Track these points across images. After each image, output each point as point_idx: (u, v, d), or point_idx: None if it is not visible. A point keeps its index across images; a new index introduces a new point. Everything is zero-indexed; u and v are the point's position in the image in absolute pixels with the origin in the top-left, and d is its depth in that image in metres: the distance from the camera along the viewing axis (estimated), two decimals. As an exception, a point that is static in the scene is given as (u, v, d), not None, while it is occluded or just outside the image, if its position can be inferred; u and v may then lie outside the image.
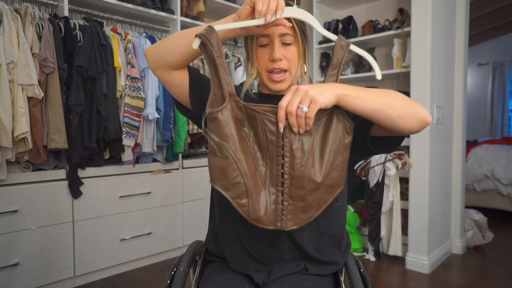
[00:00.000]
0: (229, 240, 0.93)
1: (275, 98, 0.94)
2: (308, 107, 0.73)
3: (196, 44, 0.80)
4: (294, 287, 0.83)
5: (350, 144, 0.80)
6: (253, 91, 1.01)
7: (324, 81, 0.83)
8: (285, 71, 0.90)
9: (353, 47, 0.85)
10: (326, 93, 0.74)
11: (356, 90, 0.77)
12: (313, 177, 0.76)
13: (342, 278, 0.95)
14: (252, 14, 0.83)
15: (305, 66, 0.95)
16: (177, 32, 0.91)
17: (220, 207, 0.94)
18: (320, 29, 0.86)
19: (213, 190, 1.00)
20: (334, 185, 0.79)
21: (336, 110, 0.79)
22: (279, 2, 0.80)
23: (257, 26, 0.84)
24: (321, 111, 0.77)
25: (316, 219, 0.86)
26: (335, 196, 0.80)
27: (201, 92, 0.92)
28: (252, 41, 0.93)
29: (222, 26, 0.82)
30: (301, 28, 0.91)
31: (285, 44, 0.90)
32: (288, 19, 0.86)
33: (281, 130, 0.76)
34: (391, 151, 0.92)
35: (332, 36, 0.86)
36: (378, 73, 0.86)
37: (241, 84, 1.00)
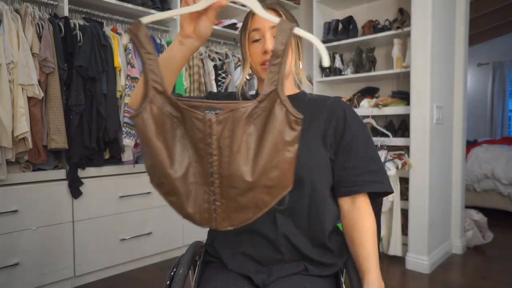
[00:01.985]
0: (229, 242, 0.93)
1: None
2: None
3: (125, 39, 0.78)
4: None
5: (296, 140, 0.72)
6: (251, 92, 1.02)
7: (268, 72, 0.73)
8: None
9: (298, 30, 0.74)
10: None
11: (379, 274, 0.84)
12: (243, 176, 0.70)
13: (343, 279, 0.94)
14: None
15: (300, 63, 0.94)
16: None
17: None
18: (259, 12, 0.77)
19: None
20: (275, 186, 0.72)
21: (277, 102, 0.71)
22: None
23: (201, 13, 0.77)
24: (257, 105, 0.71)
25: (299, 226, 0.87)
26: (280, 199, 0.74)
27: None
28: (244, 37, 0.93)
29: (153, 17, 0.75)
30: (291, 21, 0.89)
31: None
32: (275, 11, 0.89)
33: None
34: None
35: (275, 19, 0.76)
36: (326, 60, 0.75)
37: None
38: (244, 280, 0.88)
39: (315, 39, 0.75)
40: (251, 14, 0.93)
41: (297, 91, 0.99)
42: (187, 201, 0.74)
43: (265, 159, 0.70)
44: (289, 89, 0.97)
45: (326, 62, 0.74)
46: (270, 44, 0.88)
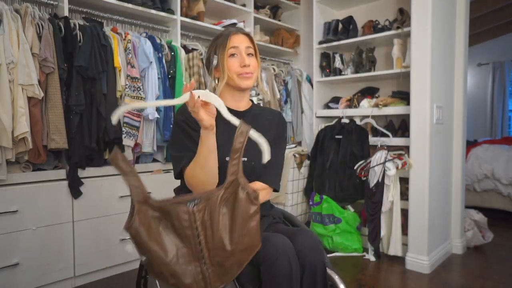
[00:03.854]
0: None
1: (233, 113, 1.20)
2: None
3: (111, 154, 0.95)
4: (281, 228, 1.22)
5: (257, 211, 0.95)
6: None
7: (228, 166, 0.93)
8: (252, 73, 1.21)
9: (252, 134, 0.93)
10: None
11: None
12: (225, 247, 0.92)
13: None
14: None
15: (259, 77, 1.27)
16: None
17: None
18: (225, 114, 0.98)
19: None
20: (248, 247, 0.95)
21: (239, 188, 0.94)
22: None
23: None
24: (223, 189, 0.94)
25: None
26: (254, 254, 0.97)
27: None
28: (223, 53, 1.20)
29: (134, 105, 1.00)
30: (256, 45, 1.26)
31: (249, 55, 1.21)
32: (248, 36, 1.24)
33: None
34: None
35: (236, 121, 0.95)
36: (267, 155, 0.92)
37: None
38: None
39: (263, 141, 0.92)
40: (229, 36, 1.20)
41: (250, 104, 1.31)
42: (185, 278, 0.93)
43: (238, 231, 0.93)
44: (246, 104, 1.30)
45: (267, 158, 0.92)
46: (247, 60, 1.19)
